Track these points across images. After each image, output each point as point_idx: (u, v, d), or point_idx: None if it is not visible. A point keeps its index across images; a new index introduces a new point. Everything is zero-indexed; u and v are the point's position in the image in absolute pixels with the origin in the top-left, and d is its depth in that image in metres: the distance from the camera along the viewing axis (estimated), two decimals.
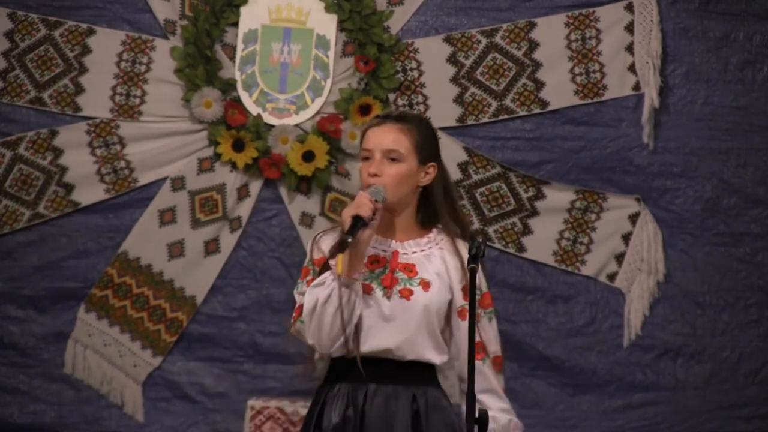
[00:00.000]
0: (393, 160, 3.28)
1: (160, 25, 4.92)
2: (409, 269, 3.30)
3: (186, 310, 4.89)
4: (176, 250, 4.90)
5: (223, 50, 4.91)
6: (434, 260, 3.32)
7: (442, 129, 4.89)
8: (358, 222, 3.14)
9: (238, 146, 4.86)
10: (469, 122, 4.91)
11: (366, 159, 3.30)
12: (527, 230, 4.91)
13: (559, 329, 4.90)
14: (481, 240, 3.12)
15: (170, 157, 4.90)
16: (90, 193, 4.90)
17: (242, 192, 4.90)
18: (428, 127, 3.39)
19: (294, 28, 4.92)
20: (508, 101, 4.91)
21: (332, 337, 3.21)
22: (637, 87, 4.90)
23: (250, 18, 4.92)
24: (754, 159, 4.94)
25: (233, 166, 4.88)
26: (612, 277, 4.92)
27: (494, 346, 3.37)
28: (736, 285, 4.92)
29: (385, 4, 4.91)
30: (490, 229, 4.90)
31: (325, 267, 3.26)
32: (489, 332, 3.35)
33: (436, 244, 3.35)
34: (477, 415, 3.03)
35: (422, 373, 3.31)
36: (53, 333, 4.89)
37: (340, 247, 3.12)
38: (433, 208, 3.35)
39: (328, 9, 4.89)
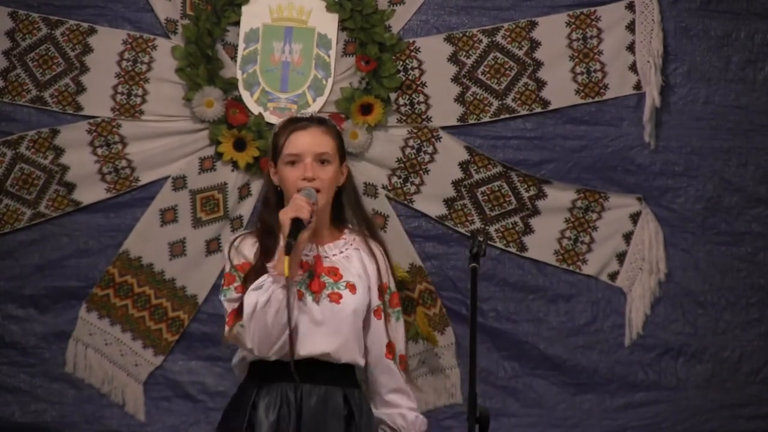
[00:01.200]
0: (323, 162, 3.33)
1: (161, 24, 4.92)
2: (334, 272, 3.35)
3: (187, 309, 4.89)
4: (177, 249, 4.90)
5: (225, 49, 4.91)
6: (353, 262, 3.38)
7: (443, 128, 4.90)
8: (300, 224, 3.19)
9: (240, 145, 4.86)
10: (470, 121, 4.91)
11: (292, 163, 3.34)
12: (528, 229, 4.91)
13: (560, 328, 4.90)
14: (482, 239, 3.13)
15: (171, 156, 4.90)
16: (91, 192, 4.90)
17: (243, 191, 4.90)
18: (338, 128, 3.48)
19: (295, 27, 4.92)
20: (509, 100, 4.91)
21: (273, 340, 3.24)
22: (638, 86, 4.90)
23: (251, 17, 4.92)
24: (756, 158, 4.94)
25: (234, 165, 4.88)
26: (613, 276, 4.92)
27: (400, 345, 3.42)
28: (737, 284, 4.92)
29: (386, 3, 4.91)
30: (491, 229, 4.90)
31: (251, 272, 3.28)
32: (396, 331, 3.40)
33: (352, 244, 3.40)
34: (478, 414, 3.05)
35: (350, 374, 3.35)
36: (54, 332, 4.89)
37: (286, 250, 3.15)
38: (344, 208, 3.41)
39: (330, 8, 4.89)
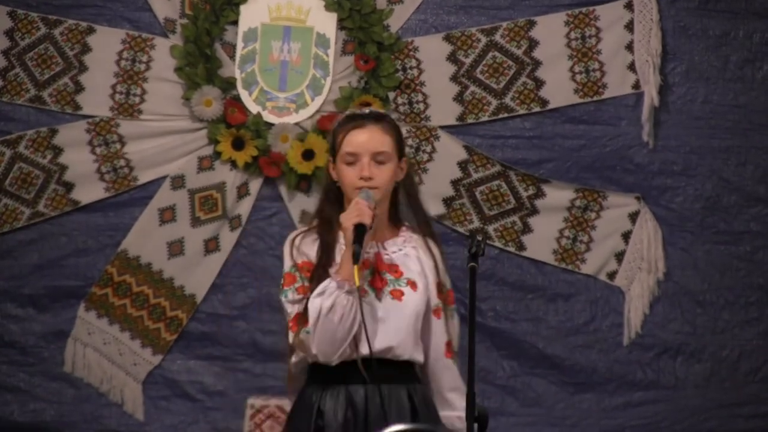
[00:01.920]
0: (381, 162, 3.31)
1: (160, 23, 4.91)
2: (394, 270, 3.33)
3: (186, 309, 4.89)
4: (176, 248, 4.90)
5: (223, 49, 4.91)
6: (412, 259, 3.36)
7: (442, 127, 4.90)
8: (363, 230, 3.17)
9: (238, 145, 4.86)
10: (469, 121, 4.91)
11: (350, 164, 3.31)
12: (527, 229, 4.91)
13: (559, 328, 4.90)
14: (480, 238, 3.13)
15: (170, 155, 4.90)
16: (90, 191, 4.90)
17: (242, 190, 4.90)
18: (396, 123, 3.44)
19: (294, 26, 4.91)
20: (507, 100, 4.91)
21: (337, 346, 3.22)
22: (636, 85, 4.90)
23: (249, 16, 4.91)
24: (754, 157, 4.94)
25: (233, 164, 4.88)
26: (612, 275, 4.92)
27: (458, 342, 3.41)
28: (736, 283, 4.92)
29: (385, 2, 4.91)
30: (490, 228, 4.90)
31: (315, 272, 3.26)
32: (455, 329, 3.39)
33: (410, 242, 3.38)
34: (477, 413, 3.05)
35: (412, 371, 3.33)
36: (53, 331, 4.89)
37: (355, 259, 3.14)
38: (399, 201, 3.38)
39: (328, 7, 4.89)
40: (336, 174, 3.36)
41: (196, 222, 4.89)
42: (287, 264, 3.33)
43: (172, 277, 4.89)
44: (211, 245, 4.89)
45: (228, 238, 4.89)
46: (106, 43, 4.91)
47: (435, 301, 3.36)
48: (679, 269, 4.92)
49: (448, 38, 4.91)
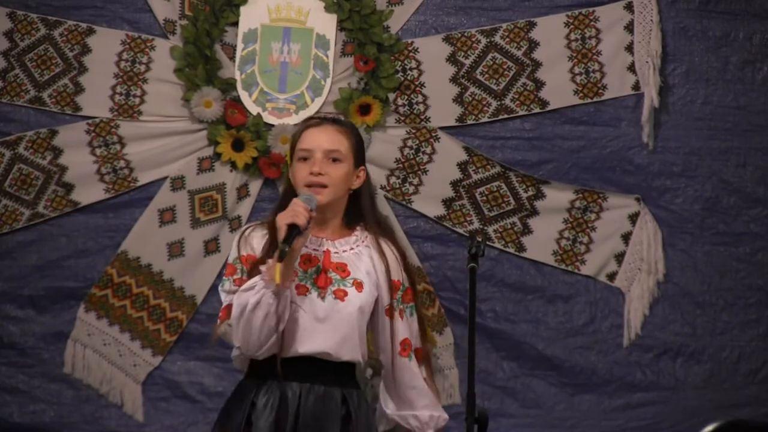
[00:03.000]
0: (334, 160, 3.32)
1: (159, 24, 4.91)
2: (342, 269, 3.33)
3: (186, 310, 4.89)
4: (176, 249, 4.90)
5: (223, 50, 4.91)
6: (363, 258, 3.36)
7: (442, 128, 4.90)
8: (294, 230, 3.17)
9: (238, 146, 4.86)
10: (469, 122, 4.91)
11: (303, 159, 3.33)
12: (527, 230, 4.91)
13: (558, 329, 4.90)
14: (480, 240, 3.13)
15: (170, 156, 4.90)
16: (90, 192, 4.90)
17: (242, 191, 4.90)
18: (359, 132, 3.48)
19: (294, 27, 4.92)
20: (507, 101, 4.91)
21: (260, 343, 3.23)
22: (636, 86, 4.90)
23: (249, 17, 4.92)
24: (754, 158, 4.94)
25: (233, 165, 4.88)
26: (612, 276, 4.92)
27: (415, 339, 3.40)
28: (735, 284, 4.92)
29: (384, 3, 4.91)
30: (490, 229, 4.90)
31: (254, 268, 3.26)
32: (410, 326, 3.38)
33: (363, 241, 3.38)
34: (477, 414, 3.05)
35: (350, 373, 3.34)
36: (53, 332, 4.89)
37: (278, 257, 3.14)
38: (359, 211, 3.39)
39: (328, 8, 4.89)
40: (292, 174, 3.39)
41: (196, 223, 4.90)
42: (232, 255, 3.35)
43: (172, 278, 4.89)
44: (211, 246, 4.90)
45: (228, 239, 4.89)
46: (106, 45, 4.91)
47: (386, 301, 3.36)
48: (678, 270, 4.92)
49: (447, 39, 4.91)
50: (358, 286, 3.31)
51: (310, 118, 3.51)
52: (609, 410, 4.88)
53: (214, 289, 4.89)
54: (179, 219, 4.89)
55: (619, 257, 4.91)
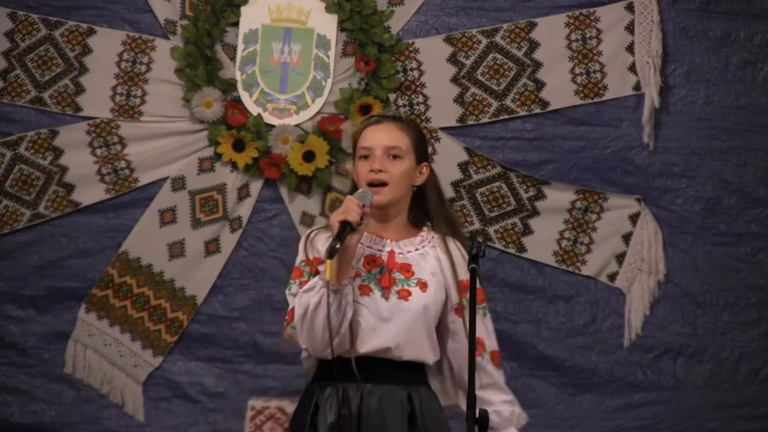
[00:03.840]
0: (395, 157, 3.30)
1: (160, 25, 4.92)
2: (406, 269, 3.31)
3: (186, 310, 4.89)
4: (177, 250, 4.90)
5: (224, 50, 4.91)
6: (429, 259, 3.34)
7: (443, 129, 4.90)
8: (347, 227, 3.15)
9: (239, 146, 4.87)
10: (470, 122, 4.91)
11: (364, 158, 3.31)
12: (528, 230, 4.91)
13: (559, 329, 4.90)
14: (481, 240, 3.13)
15: (171, 157, 4.90)
16: (90, 193, 4.90)
17: (243, 192, 4.90)
18: (420, 128, 3.44)
19: (294, 28, 4.92)
20: (508, 101, 4.91)
21: (326, 342, 3.21)
22: (637, 87, 4.90)
23: (250, 18, 4.92)
24: (755, 158, 4.94)
25: (234, 166, 4.89)
26: (612, 277, 4.92)
27: (490, 341, 3.38)
28: (736, 285, 4.92)
29: (385, 4, 4.91)
30: (491, 229, 4.91)
31: (318, 269, 3.26)
32: (486, 327, 3.36)
33: (429, 242, 3.36)
34: (477, 415, 3.04)
35: (416, 372, 3.32)
36: (54, 333, 4.89)
37: (329, 254, 3.13)
38: (425, 208, 3.37)
39: (329, 9, 4.89)
40: (354, 173, 3.37)
41: (196, 223, 4.90)
42: (298, 258, 3.34)
43: (172, 278, 4.89)
44: (211, 247, 4.90)
45: (228, 240, 4.90)
46: (107, 45, 4.91)
47: (456, 300, 3.34)
48: (679, 271, 4.92)
49: (448, 40, 4.91)
50: (423, 286, 3.30)
51: (371, 116, 3.45)
52: (609, 410, 4.88)
53: (214, 290, 4.90)
54: (180, 219, 4.90)
55: (620, 257, 4.92)
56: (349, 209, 3.17)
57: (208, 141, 4.90)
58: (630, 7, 4.90)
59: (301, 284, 3.27)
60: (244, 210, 4.90)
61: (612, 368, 4.89)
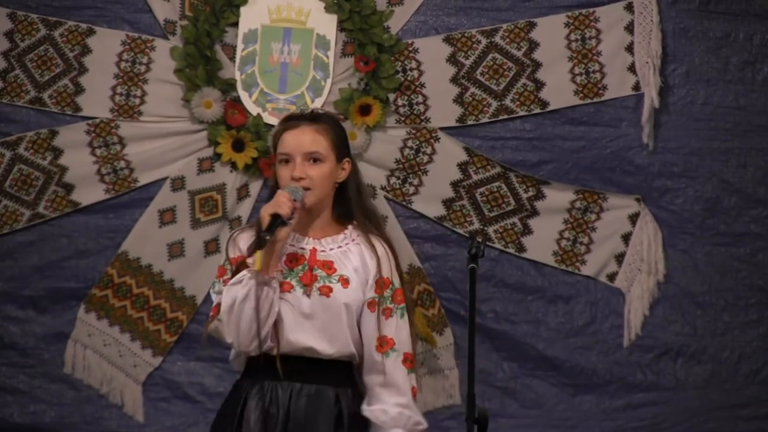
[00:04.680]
0: (314, 161, 3.32)
1: (160, 25, 4.92)
2: (328, 266, 3.33)
3: (186, 310, 4.90)
4: (176, 250, 4.90)
5: (223, 50, 4.92)
6: (351, 256, 3.36)
7: (442, 129, 4.90)
8: (276, 220, 3.19)
9: (238, 146, 4.87)
10: (469, 122, 4.91)
11: (285, 162, 3.34)
12: (527, 230, 4.91)
13: (559, 329, 4.90)
14: (480, 240, 3.13)
15: (170, 157, 4.91)
16: (90, 193, 4.90)
17: (242, 192, 4.90)
18: (339, 123, 3.48)
19: (294, 28, 4.92)
20: (508, 101, 4.91)
21: (250, 336, 3.23)
22: (637, 87, 4.90)
23: (250, 18, 4.92)
24: (755, 159, 4.94)
25: (233, 166, 4.89)
26: (612, 277, 4.92)
27: (404, 342, 3.36)
28: (736, 285, 4.92)
29: (384, 4, 4.91)
30: (490, 229, 4.90)
31: (241, 266, 3.28)
32: (399, 328, 3.36)
33: (353, 240, 3.39)
34: (477, 415, 3.05)
35: (343, 370, 3.33)
36: (53, 333, 4.89)
37: (258, 245, 3.15)
38: (347, 203, 3.39)
39: (328, 9, 4.89)
40: (276, 175, 3.40)
41: (196, 223, 4.90)
42: (223, 258, 3.37)
43: (172, 278, 4.89)
44: (211, 247, 4.90)
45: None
46: (106, 45, 4.91)
47: (370, 294, 3.35)
48: (679, 271, 4.92)
49: (448, 40, 4.91)
50: (344, 282, 3.31)
51: (289, 116, 3.48)
52: (609, 411, 4.88)
53: None
54: (179, 219, 4.90)
55: (620, 258, 4.91)
56: (281, 203, 3.22)
57: (207, 141, 4.90)
58: (629, 7, 4.90)
59: (224, 282, 3.31)
60: (244, 210, 4.90)
61: (612, 368, 4.89)
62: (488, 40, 4.91)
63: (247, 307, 3.21)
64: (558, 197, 4.90)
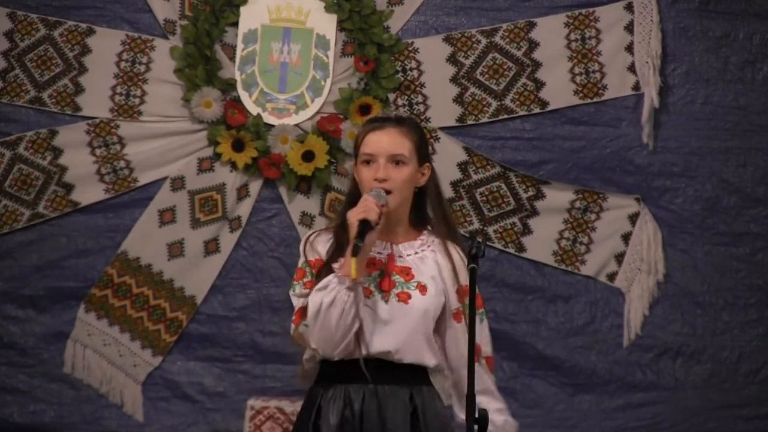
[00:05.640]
0: (397, 163, 3.30)
1: (159, 25, 4.91)
2: (406, 272, 3.31)
3: (186, 310, 4.89)
4: (176, 249, 4.90)
5: (223, 50, 4.91)
6: (428, 263, 3.34)
7: (442, 129, 4.90)
8: (366, 226, 3.16)
9: (238, 146, 4.87)
10: (469, 122, 4.91)
11: (367, 163, 3.31)
12: (527, 230, 4.91)
13: (558, 329, 4.90)
14: (480, 240, 3.13)
15: (170, 157, 4.90)
16: (90, 192, 4.90)
17: (242, 192, 4.90)
18: (421, 128, 3.44)
19: (294, 27, 4.92)
20: (507, 101, 4.91)
21: (336, 341, 3.22)
22: (636, 87, 4.90)
23: (249, 18, 4.92)
24: (754, 158, 4.94)
25: (233, 166, 4.88)
26: (612, 276, 4.92)
27: (486, 347, 3.39)
28: (735, 284, 4.92)
29: (384, 3, 4.91)
30: (490, 229, 4.90)
31: (323, 269, 3.27)
32: (481, 333, 3.36)
33: (429, 246, 3.37)
34: (477, 415, 3.05)
35: (418, 374, 3.32)
36: (53, 333, 4.89)
37: (353, 252, 3.14)
38: (425, 208, 3.38)
39: (328, 9, 4.89)
40: (357, 176, 3.37)
41: (196, 223, 4.90)
42: (301, 260, 3.35)
43: (172, 278, 4.89)
44: (211, 246, 4.90)
45: (228, 240, 4.90)
46: (106, 45, 4.91)
47: (455, 304, 3.34)
48: (678, 270, 4.92)
49: (448, 40, 4.91)
50: (422, 289, 3.30)
51: (374, 119, 3.44)
52: (609, 410, 4.88)
53: (213, 290, 4.90)
54: (179, 219, 4.90)
55: (619, 257, 4.92)
56: (369, 208, 3.19)
57: (207, 141, 4.90)
58: (629, 7, 4.90)
59: (306, 285, 3.28)
60: (244, 210, 4.90)
61: (611, 368, 4.89)
62: (488, 40, 4.91)
63: (334, 312, 3.19)
64: (558, 197, 4.90)
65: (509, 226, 4.91)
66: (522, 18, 4.91)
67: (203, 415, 4.87)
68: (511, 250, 4.90)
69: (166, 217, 4.90)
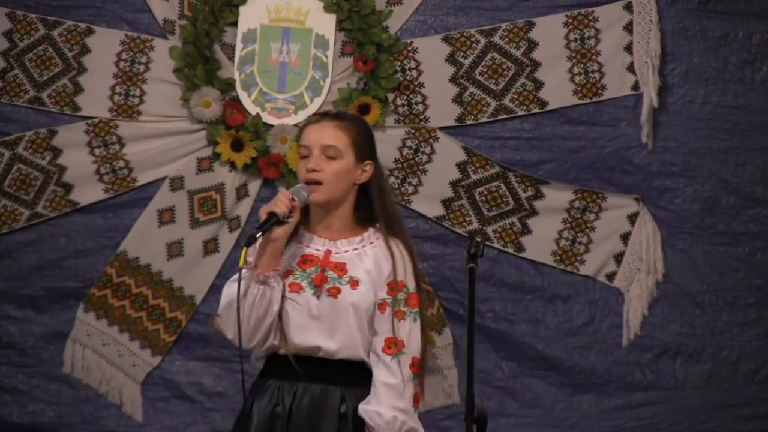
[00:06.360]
0: (331, 157, 3.32)
1: (158, 24, 4.92)
2: (340, 268, 3.33)
3: (185, 310, 4.89)
4: (175, 249, 4.90)
5: (222, 50, 4.91)
6: (365, 258, 3.35)
7: (441, 129, 4.90)
8: (272, 218, 3.19)
9: (237, 146, 4.87)
10: (468, 122, 4.91)
11: (304, 157, 3.35)
12: (526, 230, 4.91)
13: (558, 329, 4.90)
14: (479, 240, 3.13)
15: (169, 156, 4.90)
16: (89, 192, 4.90)
17: (241, 192, 4.90)
18: (365, 125, 3.46)
19: (293, 27, 4.92)
20: (507, 101, 4.91)
21: (248, 333, 3.24)
22: (636, 87, 4.90)
23: (249, 18, 4.92)
24: (754, 158, 4.94)
25: (232, 165, 4.89)
26: (611, 276, 4.92)
27: (413, 346, 3.33)
28: (735, 284, 4.92)
29: (383, 3, 4.91)
30: (489, 229, 4.90)
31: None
32: (411, 332, 3.34)
33: (370, 242, 3.37)
34: (476, 414, 3.05)
35: (353, 372, 3.31)
36: (52, 332, 4.89)
37: (247, 242, 3.17)
38: (369, 206, 3.39)
39: (327, 9, 4.89)
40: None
41: (195, 223, 4.90)
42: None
43: (171, 278, 4.89)
44: (210, 246, 4.90)
45: (227, 240, 4.90)
46: (105, 45, 4.91)
47: (382, 296, 3.34)
48: (678, 270, 4.92)
49: (447, 39, 4.91)
50: (354, 283, 3.31)
51: (315, 113, 3.51)
52: (608, 410, 4.88)
53: (213, 289, 4.89)
54: (178, 219, 4.90)
55: (619, 257, 4.91)
56: (278, 201, 3.23)
57: (206, 141, 4.90)
58: (628, 7, 4.90)
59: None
60: (243, 210, 4.90)
61: (611, 368, 4.89)
62: (487, 40, 4.91)
63: (244, 304, 3.22)
64: (557, 197, 4.90)
65: (508, 226, 4.91)
66: (521, 18, 4.91)
67: (202, 415, 4.87)
68: (510, 250, 4.90)
69: (166, 216, 4.90)
